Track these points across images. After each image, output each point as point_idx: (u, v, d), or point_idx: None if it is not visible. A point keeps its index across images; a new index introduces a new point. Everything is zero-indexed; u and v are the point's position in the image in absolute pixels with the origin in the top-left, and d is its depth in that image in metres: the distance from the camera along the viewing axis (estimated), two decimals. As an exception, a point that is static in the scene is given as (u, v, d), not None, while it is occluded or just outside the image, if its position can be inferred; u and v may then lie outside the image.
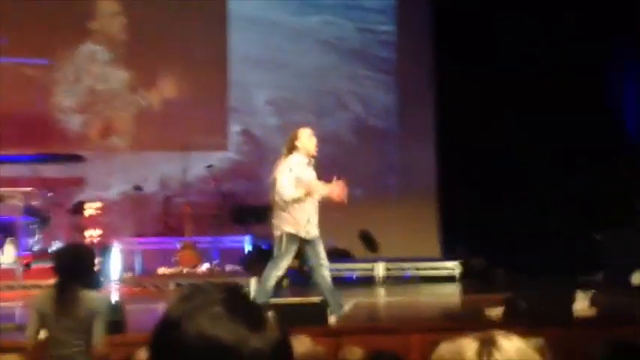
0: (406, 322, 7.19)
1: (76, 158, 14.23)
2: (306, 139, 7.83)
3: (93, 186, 14.40)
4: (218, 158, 14.89)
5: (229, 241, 12.93)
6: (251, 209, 13.59)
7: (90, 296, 5.16)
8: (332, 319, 7.38)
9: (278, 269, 7.79)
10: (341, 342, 6.74)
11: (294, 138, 7.87)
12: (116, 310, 6.74)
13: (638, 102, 11.73)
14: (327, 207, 14.47)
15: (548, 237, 12.74)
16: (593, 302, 7.43)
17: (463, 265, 12.31)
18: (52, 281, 5.20)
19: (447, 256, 12.91)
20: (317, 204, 7.82)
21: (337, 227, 14.33)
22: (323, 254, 7.77)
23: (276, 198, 7.68)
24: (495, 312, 7.29)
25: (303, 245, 7.76)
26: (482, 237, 13.64)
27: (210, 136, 14.96)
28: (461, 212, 13.62)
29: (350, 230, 13.89)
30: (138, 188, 13.94)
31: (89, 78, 14.71)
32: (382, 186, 14.91)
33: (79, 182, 14.44)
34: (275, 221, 7.83)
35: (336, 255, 13.88)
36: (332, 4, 15.33)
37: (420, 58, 15.02)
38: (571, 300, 7.36)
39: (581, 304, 7.35)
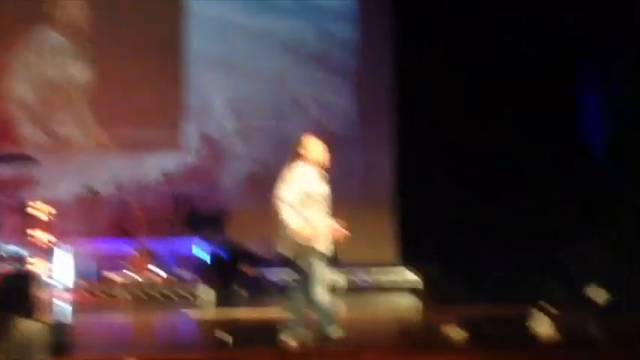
0: (361, 342, 6.96)
1: (26, 158, 13.86)
2: (319, 150, 7.30)
3: (44, 187, 14.05)
4: (174, 160, 14.64)
5: (185, 246, 12.66)
6: (206, 216, 13.37)
7: (26, 324, 4.92)
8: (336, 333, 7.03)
9: (321, 284, 7.05)
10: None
11: (300, 146, 7.30)
12: (60, 332, 6.45)
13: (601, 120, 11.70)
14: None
15: (510, 247, 12.69)
16: (554, 324, 7.30)
17: (422, 274, 12.16)
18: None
19: (407, 264, 12.77)
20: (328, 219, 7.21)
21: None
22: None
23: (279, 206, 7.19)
24: (454, 332, 7.13)
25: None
26: (443, 245, 13.55)
27: (166, 137, 14.67)
28: (421, 219, 13.49)
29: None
30: (91, 190, 13.64)
31: (39, 68, 14.33)
32: (342, 191, 14.70)
33: (29, 183, 14.09)
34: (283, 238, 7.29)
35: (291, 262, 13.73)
36: (293, 6, 15.10)
37: (381, 62, 14.87)
38: (532, 321, 7.24)
39: (543, 327, 7.24)
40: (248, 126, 15.00)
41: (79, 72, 14.38)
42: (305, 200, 7.03)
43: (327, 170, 7.27)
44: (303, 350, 6.76)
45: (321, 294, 7.04)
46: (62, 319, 7.36)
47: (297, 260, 7.16)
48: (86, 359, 6.37)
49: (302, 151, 7.13)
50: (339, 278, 7.36)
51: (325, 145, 7.30)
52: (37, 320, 5.02)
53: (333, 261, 7.23)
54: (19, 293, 5.07)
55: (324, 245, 7.09)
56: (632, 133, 11.42)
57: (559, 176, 12.37)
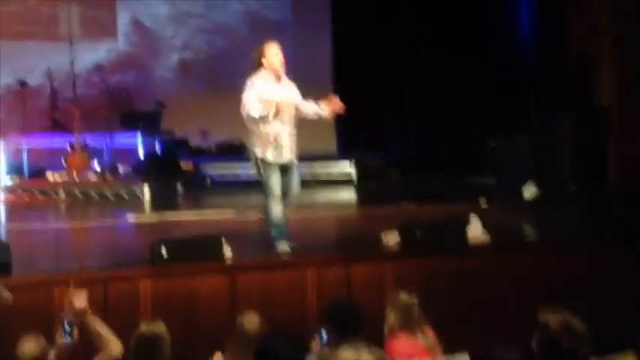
0: (301, 253, 7.08)
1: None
2: (271, 56, 7.10)
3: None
4: (106, 49, 14.33)
5: (121, 140, 12.50)
6: (141, 112, 13.20)
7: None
8: (282, 247, 7.08)
9: (272, 197, 7.07)
10: (235, 279, 6.69)
11: (260, 54, 7.12)
12: (1, 251, 6.45)
13: (531, 9, 11.67)
14: (219, 100, 14.36)
15: (443, 137, 12.87)
16: (486, 226, 7.50)
17: (358, 165, 12.28)
18: None
19: (343, 154, 12.86)
20: (289, 127, 7.09)
21: (231, 121, 14.10)
22: (292, 182, 7.21)
23: (244, 116, 7.10)
24: (391, 238, 7.29)
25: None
26: (378, 134, 13.68)
27: (99, 25, 14.30)
28: (357, 108, 13.49)
29: (243, 123, 13.68)
30: (22, 83, 13.32)
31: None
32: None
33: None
34: (247, 141, 7.31)
35: (232, 150, 13.73)
36: None
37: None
38: (465, 225, 7.42)
39: (475, 229, 7.42)
40: (181, 12, 14.68)
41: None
42: (261, 103, 6.96)
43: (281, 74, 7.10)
44: (247, 263, 6.86)
45: (273, 207, 7.11)
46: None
47: (257, 172, 7.18)
48: (25, 279, 6.37)
49: (262, 60, 7.03)
50: (295, 189, 7.32)
51: (276, 45, 7.13)
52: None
53: (286, 169, 7.17)
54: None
55: (280, 154, 7.07)
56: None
57: (487, 64, 12.42)
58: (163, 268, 6.58)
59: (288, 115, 7.09)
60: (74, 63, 12.59)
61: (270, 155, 7.08)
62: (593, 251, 7.34)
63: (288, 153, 7.13)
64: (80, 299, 4.80)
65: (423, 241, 7.25)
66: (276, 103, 6.97)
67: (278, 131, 7.05)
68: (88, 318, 4.79)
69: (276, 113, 6.96)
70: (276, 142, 7.05)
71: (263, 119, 6.98)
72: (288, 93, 7.16)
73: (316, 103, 7.30)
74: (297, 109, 7.20)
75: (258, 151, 7.12)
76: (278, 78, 7.12)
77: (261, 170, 7.16)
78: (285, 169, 7.20)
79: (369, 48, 13.75)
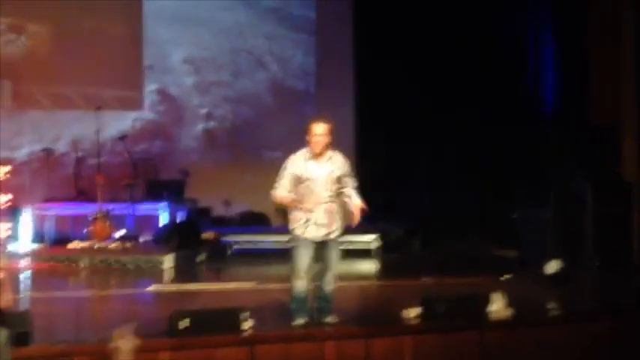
0: (320, 326, 7.05)
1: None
2: (312, 135, 7.06)
3: (1, 146, 13.88)
4: (132, 118, 14.53)
5: (144, 209, 12.61)
6: (165, 181, 13.32)
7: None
8: (330, 319, 7.09)
9: (296, 272, 7.11)
10: (254, 350, 6.65)
11: (306, 131, 7.10)
12: (22, 321, 6.47)
13: (556, 77, 11.72)
14: (242, 169, 14.48)
15: (466, 208, 12.84)
16: (508, 302, 7.43)
17: (380, 236, 12.27)
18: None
19: (365, 225, 12.79)
20: (326, 204, 7.06)
21: (254, 191, 14.23)
22: (331, 261, 7.16)
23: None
24: (412, 313, 7.25)
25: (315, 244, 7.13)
26: (400, 205, 13.69)
27: (125, 94, 14.54)
28: (378, 179, 13.55)
29: (267, 194, 13.69)
30: (48, 151, 13.51)
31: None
32: (300, 148, 14.70)
33: (-16, 144, 13.91)
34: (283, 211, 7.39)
35: (254, 221, 13.78)
36: (251, -40, 14.93)
37: (340, 17, 14.79)
38: (487, 301, 7.37)
39: (497, 305, 7.37)
40: (206, 81, 14.90)
41: (35, 29, 14.11)
42: (297, 185, 7.03)
43: (321, 153, 7.09)
44: (267, 336, 6.83)
45: (296, 281, 7.13)
46: (21, 306, 7.38)
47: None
48: (45, 349, 6.37)
49: (307, 137, 7.09)
50: (330, 278, 7.28)
51: (319, 128, 7.08)
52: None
53: (325, 246, 7.13)
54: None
55: (313, 231, 7.08)
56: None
57: (514, 138, 12.44)
58: (182, 339, 6.56)
59: (326, 192, 7.08)
60: (100, 132, 12.72)
61: (300, 231, 7.10)
62: (615, 324, 7.25)
63: (323, 230, 7.11)
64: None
65: (444, 315, 7.19)
66: (290, 200, 7.00)
67: (310, 211, 7.07)
68: None
69: (291, 205, 7.00)
70: (308, 220, 7.06)
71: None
72: (327, 170, 7.11)
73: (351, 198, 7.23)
74: (338, 183, 7.16)
75: (291, 225, 7.19)
76: (318, 156, 7.12)
77: (292, 243, 7.20)
78: (322, 245, 7.16)
79: (391, 118, 13.85)
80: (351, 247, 11.75)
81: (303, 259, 7.12)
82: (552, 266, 9.04)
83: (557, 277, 8.98)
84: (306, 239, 7.10)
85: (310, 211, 7.06)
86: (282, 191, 7.08)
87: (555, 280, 8.95)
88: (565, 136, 11.27)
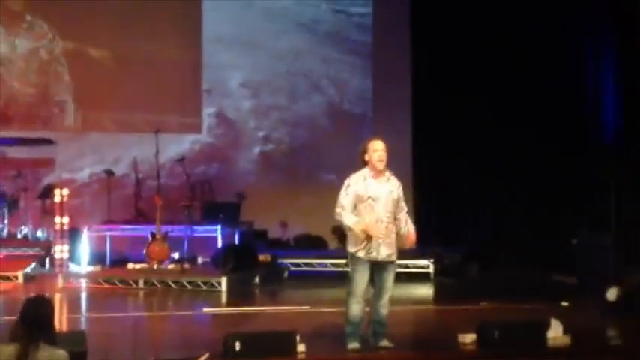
0: (374, 351, 6.99)
1: (45, 142, 13.91)
2: (372, 152, 7.02)
3: (63, 168, 14.14)
4: (190, 141, 14.68)
5: (201, 230, 12.69)
6: (221, 203, 13.40)
7: (54, 353, 4.96)
8: (385, 343, 7.03)
9: (353, 295, 7.03)
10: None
11: (363, 151, 7.05)
12: (78, 340, 6.54)
13: (615, 95, 11.53)
14: (299, 192, 14.51)
15: (524, 233, 12.68)
16: (566, 327, 7.30)
17: (436, 260, 12.17)
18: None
19: (422, 248, 12.71)
20: (387, 224, 6.97)
21: (310, 214, 14.27)
22: (387, 284, 7.08)
23: (336, 217, 7.06)
24: (468, 338, 7.16)
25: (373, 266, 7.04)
26: (457, 229, 13.57)
27: (184, 118, 14.70)
28: (436, 202, 13.47)
29: (323, 217, 13.67)
30: (109, 173, 13.69)
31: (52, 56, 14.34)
32: (356, 171, 14.67)
33: (48, 164, 14.16)
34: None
35: (310, 243, 13.78)
36: (308, -15, 15.02)
37: (397, 41, 14.77)
38: (545, 327, 7.24)
39: (555, 332, 7.23)
40: (263, 105, 14.99)
41: (103, 55, 14.37)
42: (358, 205, 6.97)
43: (383, 170, 7.04)
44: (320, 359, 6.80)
45: (352, 304, 7.06)
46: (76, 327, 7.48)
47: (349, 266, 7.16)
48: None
49: (365, 156, 7.07)
50: (386, 301, 7.21)
51: (380, 144, 7.05)
52: (57, 346, 5.05)
53: (383, 268, 7.08)
54: (42, 318, 5.09)
55: (373, 252, 7.03)
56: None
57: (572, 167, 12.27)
58: (238, 361, 6.56)
59: (386, 212, 7.03)
60: (159, 154, 12.85)
61: (361, 253, 7.05)
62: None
63: (383, 250, 7.03)
64: None
65: (501, 341, 7.07)
66: (366, 234, 6.90)
67: (375, 235, 6.98)
68: None
69: (364, 232, 6.93)
70: (369, 241, 7.02)
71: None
72: (388, 190, 7.06)
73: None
74: (397, 205, 7.11)
75: (351, 247, 7.10)
76: (378, 175, 7.09)
77: (351, 266, 7.14)
78: (380, 267, 7.09)
79: (449, 141, 13.76)
80: (407, 270, 11.73)
81: (362, 281, 7.06)
82: (613, 293, 8.86)
83: (618, 304, 8.79)
84: (367, 261, 7.05)
85: (374, 235, 7.00)
86: (351, 216, 6.96)
87: (616, 307, 8.76)
88: (625, 160, 11.08)
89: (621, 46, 11.56)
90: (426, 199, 13.69)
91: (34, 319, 5.03)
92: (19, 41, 14.17)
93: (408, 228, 7.19)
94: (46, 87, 14.29)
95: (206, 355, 4.83)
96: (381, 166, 7.01)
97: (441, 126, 13.91)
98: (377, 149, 7.03)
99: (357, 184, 7.02)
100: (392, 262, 7.14)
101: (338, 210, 7.02)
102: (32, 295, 5.35)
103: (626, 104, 11.69)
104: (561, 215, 11.94)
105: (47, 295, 5.75)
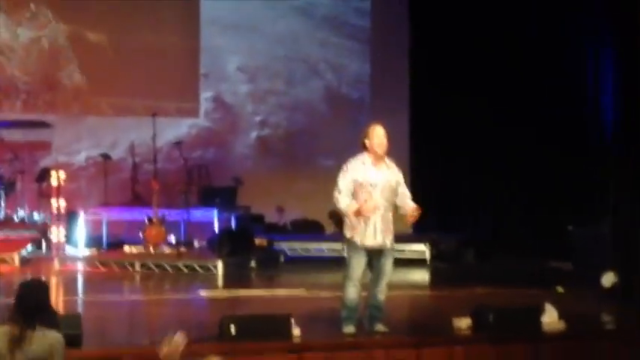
0: (370, 335, 7.01)
1: (42, 124, 13.88)
2: (374, 138, 6.99)
3: (60, 151, 14.11)
4: (188, 125, 14.65)
5: (198, 214, 12.69)
6: (218, 187, 13.40)
7: (48, 335, 4.98)
8: (380, 327, 7.06)
9: (349, 280, 7.04)
10: (302, 358, 6.64)
11: (364, 136, 7.03)
12: (73, 323, 6.55)
13: (615, 95, 11.49)
14: (296, 177, 14.51)
15: (521, 220, 12.68)
16: (561, 313, 7.32)
17: (432, 245, 12.19)
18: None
19: (418, 233, 12.73)
20: (384, 211, 6.98)
21: (307, 199, 14.27)
22: (385, 270, 7.09)
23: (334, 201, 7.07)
24: (463, 323, 7.18)
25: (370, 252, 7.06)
26: (453, 213, 13.57)
27: (181, 102, 14.67)
28: (433, 187, 13.46)
29: (321, 202, 13.67)
30: (105, 156, 13.67)
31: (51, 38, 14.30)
32: (355, 155, 14.67)
33: (44, 147, 14.14)
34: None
35: (307, 228, 13.80)
36: (306, -31, 14.97)
37: (395, 26, 14.75)
38: (540, 312, 7.26)
39: (550, 317, 7.26)
40: (261, 89, 14.96)
41: (100, 38, 14.32)
42: (357, 190, 6.96)
43: (383, 157, 7.03)
44: (316, 343, 6.81)
45: (348, 288, 7.07)
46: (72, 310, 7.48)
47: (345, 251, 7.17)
48: (94, 352, 6.45)
49: (365, 141, 7.04)
50: (384, 287, 7.22)
51: (381, 130, 7.04)
52: (55, 329, 5.07)
53: (380, 254, 7.06)
54: (43, 302, 5.11)
55: (370, 238, 7.02)
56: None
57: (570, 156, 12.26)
58: (231, 344, 6.58)
59: (384, 199, 7.03)
60: (156, 137, 12.83)
61: (358, 238, 7.04)
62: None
63: (380, 237, 7.03)
64: None
65: (496, 326, 7.11)
66: (362, 206, 6.90)
67: (370, 218, 7.00)
68: None
69: (359, 214, 6.93)
70: (366, 226, 7.01)
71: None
72: (386, 177, 7.05)
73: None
74: (395, 192, 7.11)
75: (347, 232, 7.10)
76: (378, 161, 7.08)
77: (347, 251, 7.14)
78: (378, 253, 7.10)
79: (446, 128, 13.73)
80: (403, 256, 11.74)
81: (359, 266, 7.07)
82: (608, 279, 8.88)
83: (614, 290, 8.82)
84: (364, 247, 7.05)
85: (368, 218, 7.00)
86: (345, 199, 6.97)
87: (611, 294, 8.79)
88: (625, 160, 11.05)
89: (621, 46, 11.51)
90: (424, 184, 13.67)
91: (29, 304, 5.05)
92: (21, 30, 14.12)
93: (408, 204, 7.16)
94: (44, 72, 14.24)
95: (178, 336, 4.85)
96: (380, 151, 7.01)
97: (439, 111, 13.86)
98: (379, 135, 7.03)
99: (355, 170, 7.02)
100: (390, 249, 7.15)
101: (335, 193, 7.03)
102: (26, 279, 5.36)
103: (626, 104, 11.65)
104: (561, 215, 11.89)
105: (42, 278, 5.75)
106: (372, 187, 6.98)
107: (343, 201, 6.99)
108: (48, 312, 5.21)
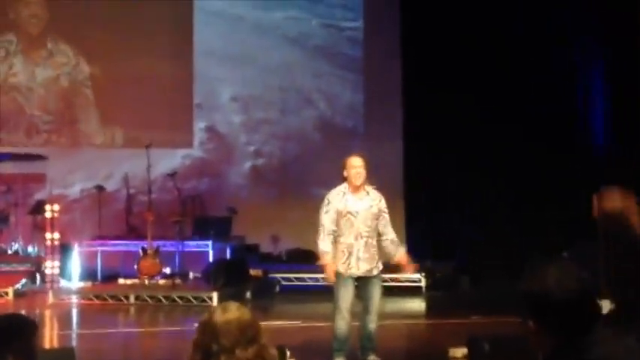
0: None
1: (36, 157, 13.88)
2: (350, 168, 7.10)
3: (54, 183, 14.09)
4: (182, 155, 14.66)
5: (193, 245, 12.68)
6: (212, 218, 13.39)
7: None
8: (372, 358, 7.05)
9: (338, 311, 7.04)
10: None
11: (342, 167, 7.16)
12: (67, 356, 6.51)
13: (603, 93, 11.56)
14: (290, 206, 14.48)
15: (516, 247, 12.67)
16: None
17: (427, 273, 12.18)
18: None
19: (412, 261, 12.69)
20: (367, 239, 7.03)
21: (302, 228, 14.19)
22: (373, 299, 7.10)
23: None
24: (459, 353, 7.17)
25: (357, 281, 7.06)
26: (448, 243, 13.57)
27: (175, 132, 14.69)
28: (427, 215, 13.47)
29: (315, 231, 13.66)
30: (100, 188, 13.67)
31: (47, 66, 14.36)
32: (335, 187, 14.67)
33: (39, 179, 14.13)
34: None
35: (301, 258, 13.75)
36: (297, -1, 15.05)
37: (388, 55, 14.78)
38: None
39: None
40: (255, 119, 14.98)
41: (92, 70, 14.38)
42: (339, 220, 7.02)
43: (361, 186, 7.10)
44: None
45: (337, 319, 7.07)
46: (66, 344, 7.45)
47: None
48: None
49: (344, 172, 7.09)
50: (374, 316, 7.21)
51: (358, 160, 7.12)
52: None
53: (367, 282, 7.06)
54: (20, 339, 5.04)
55: (354, 267, 7.03)
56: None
57: (562, 172, 12.29)
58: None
59: (366, 227, 7.04)
60: (150, 169, 12.82)
61: (342, 268, 7.05)
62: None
63: (364, 265, 7.05)
64: None
65: (492, 355, 7.06)
66: (328, 270, 7.02)
67: (352, 245, 7.03)
68: None
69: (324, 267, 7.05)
70: (350, 256, 7.01)
71: (335, 234, 7.00)
72: (367, 204, 7.09)
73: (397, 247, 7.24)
74: (376, 220, 7.12)
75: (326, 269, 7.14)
76: (357, 190, 7.10)
77: (335, 281, 7.14)
78: (364, 281, 7.10)
79: (441, 154, 13.76)
80: (397, 284, 11.73)
81: (347, 296, 7.07)
82: (605, 306, 8.85)
83: (609, 319, 8.79)
84: (349, 276, 7.05)
85: (351, 247, 7.00)
86: (324, 244, 7.07)
87: (608, 321, 8.76)
88: (612, 158, 11.11)
89: (609, 44, 11.61)
90: (418, 211, 13.71)
91: (7, 339, 4.98)
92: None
93: (399, 251, 7.21)
94: (38, 103, 14.29)
95: None
96: (358, 182, 7.07)
97: (433, 138, 13.90)
98: (354, 165, 7.10)
99: (336, 200, 7.07)
100: (375, 276, 7.14)
101: (319, 231, 7.09)
102: (7, 313, 5.31)
103: (613, 103, 11.73)
104: (547, 213, 11.91)
105: (25, 313, 5.69)
106: (353, 216, 7.02)
107: (322, 246, 7.09)
108: (27, 351, 5.13)
